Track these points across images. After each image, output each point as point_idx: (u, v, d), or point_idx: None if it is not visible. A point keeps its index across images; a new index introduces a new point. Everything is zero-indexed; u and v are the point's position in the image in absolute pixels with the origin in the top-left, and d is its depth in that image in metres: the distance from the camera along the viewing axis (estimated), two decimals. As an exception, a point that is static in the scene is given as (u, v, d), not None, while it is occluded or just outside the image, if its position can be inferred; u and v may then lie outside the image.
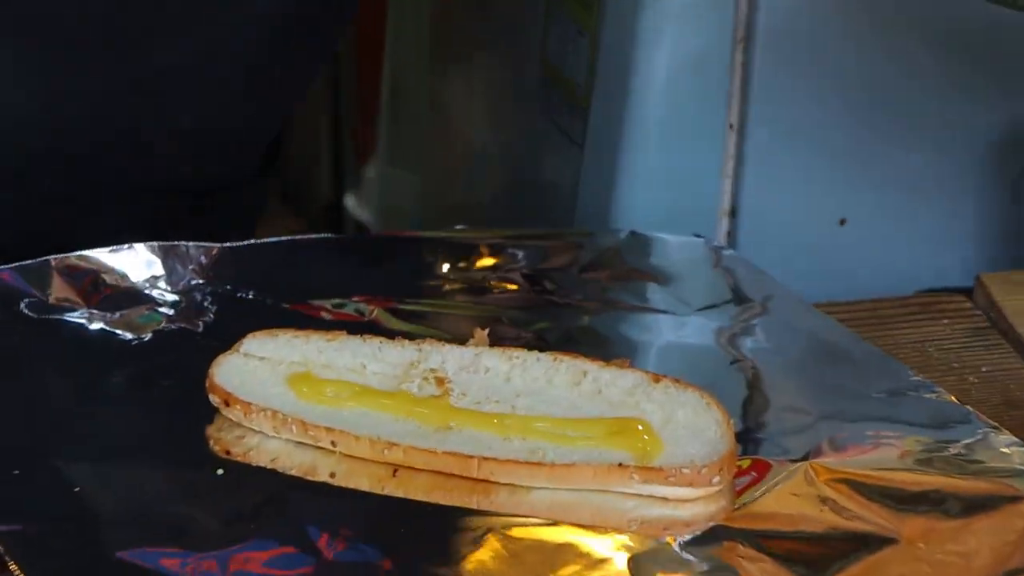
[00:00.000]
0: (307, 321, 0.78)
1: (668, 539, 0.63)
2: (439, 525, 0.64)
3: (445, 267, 0.89)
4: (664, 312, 0.86)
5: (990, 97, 1.01)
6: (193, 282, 0.82)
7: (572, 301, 0.86)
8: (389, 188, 1.44)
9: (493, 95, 1.22)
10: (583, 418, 0.69)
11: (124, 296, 0.80)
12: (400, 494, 0.65)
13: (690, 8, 0.98)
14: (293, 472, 0.67)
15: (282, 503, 0.64)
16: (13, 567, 0.58)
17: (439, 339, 0.74)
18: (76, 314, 0.78)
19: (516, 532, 0.63)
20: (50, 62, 0.85)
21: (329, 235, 0.93)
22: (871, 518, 0.65)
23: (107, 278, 0.80)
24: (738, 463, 0.67)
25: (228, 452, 0.68)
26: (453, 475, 0.66)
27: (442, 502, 0.65)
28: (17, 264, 0.78)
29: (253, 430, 0.69)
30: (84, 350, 0.76)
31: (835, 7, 0.98)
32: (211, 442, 0.69)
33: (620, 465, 0.65)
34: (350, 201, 1.53)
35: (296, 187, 1.64)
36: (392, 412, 0.69)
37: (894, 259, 1.03)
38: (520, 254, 0.91)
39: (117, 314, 0.78)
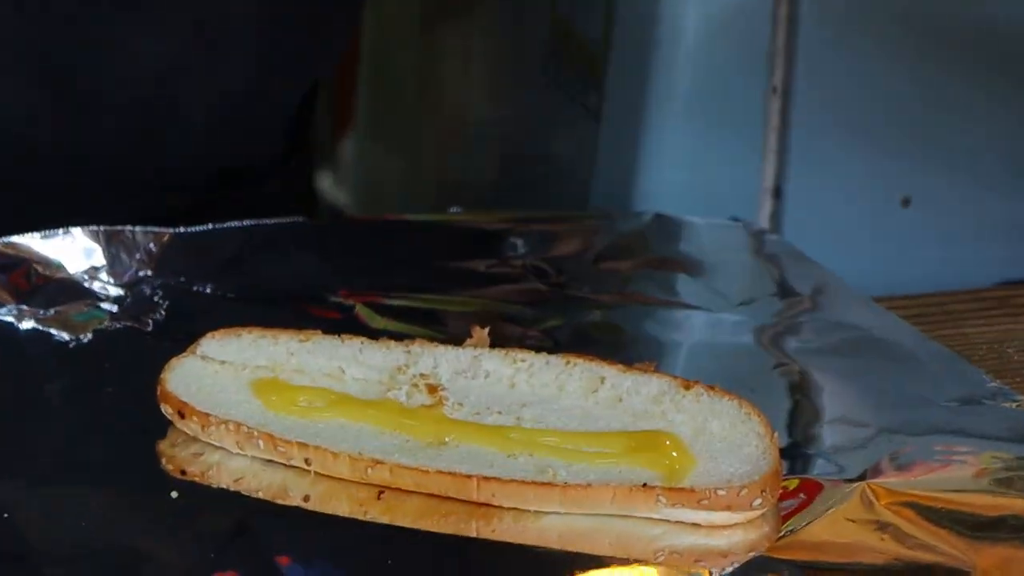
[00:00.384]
0: (275, 318, 0.78)
1: (702, 572, 0.63)
2: (431, 556, 0.64)
3: (437, 256, 0.90)
4: (696, 308, 0.86)
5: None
6: (140, 273, 0.82)
7: (586, 294, 0.86)
8: (370, 166, 1.44)
9: (492, 56, 1.23)
10: (601, 431, 0.69)
11: (59, 289, 0.80)
12: (386, 520, 0.65)
13: (725, -51, 0.99)
14: (260, 495, 0.67)
15: (247, 531, 0.64)
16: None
17: (431, 339, 0.74)
18: (3, 311, 0.78)
19: (521, 564, 0.63)
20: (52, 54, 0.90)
21: (300, 219, 0.93)
22: (940, 547, 0.65)
23: (39, 268, 0.81)
24: (783, 483, 0.68)
25: (183, 472, 0.68)
26: (448, 498, 0.66)
27: (435, 529, 0.65)
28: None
29: (213, 446, 0.69)
30: (12, 354, 0.76)
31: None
32: (164, 460, 0.69)
33: (645, 486, 0.65)
34: (324, 181, 1.53)
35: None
36: (376, 424, 0.69)
37: (966, 246, 1.03)
38: (525, 240, 0.91)
39: (52, 311, 0.78)
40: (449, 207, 0.98)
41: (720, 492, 0.65)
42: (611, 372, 0.71)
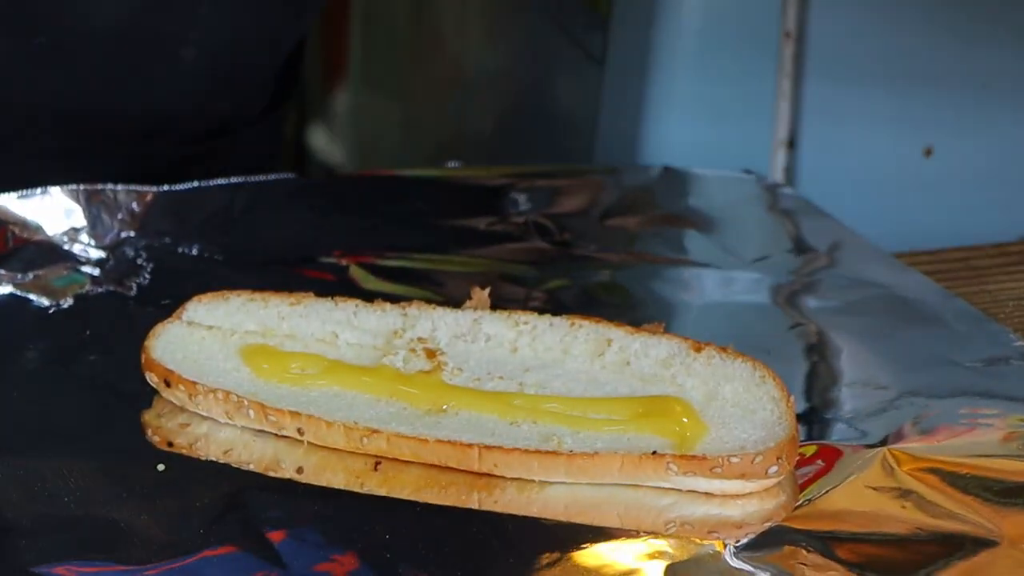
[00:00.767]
0: (265, 281, 0.78)
1: (715, 544, 0.63)
2: (431, 528, 0.64)
3: (435, 214, 0.90)
4: (707, 265, 0.86)
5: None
6: (123, 234, 0.82)
7: (592, 253, 0.86)
8: (363, 119, 1.44)
9: None
10: (608, 397, 0.69)
11: (38, 252, 0.80)
12: (383, 492, 0.65)
13: None
14: (251, 467, 0.67)
15: (238, 505, 0.64)
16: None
17: (428, 301, 0.74)
18: (-21, 276, 0.78)
19: (525, 537, 0.63)
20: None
21: (290, 175, 0.93)
22: (965, 515, 0.65)
23: (16, 230, 0.80)
24: (800, 450, 0.67)
25: (170, 444, 0.68)
26: (448, 468, 0.66)
27: (434, 501, 0.65)
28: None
29: (201, 416, 0.69)
30: (-10, 320, 0.76)
31: None
32: (149, 431, 0.69)
33: (654, 453, 0.65)
34: (315, 136, 1.53)
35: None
36: (372, 392, 0.69)
37: (991, 197, 1.03)
38: (527, 196, 0.91)
39: (30, 275, 0.78)
40: (447, 162, 0.97)
41: (733, 459, 0.65)
42: (618, 334, 0.71)
